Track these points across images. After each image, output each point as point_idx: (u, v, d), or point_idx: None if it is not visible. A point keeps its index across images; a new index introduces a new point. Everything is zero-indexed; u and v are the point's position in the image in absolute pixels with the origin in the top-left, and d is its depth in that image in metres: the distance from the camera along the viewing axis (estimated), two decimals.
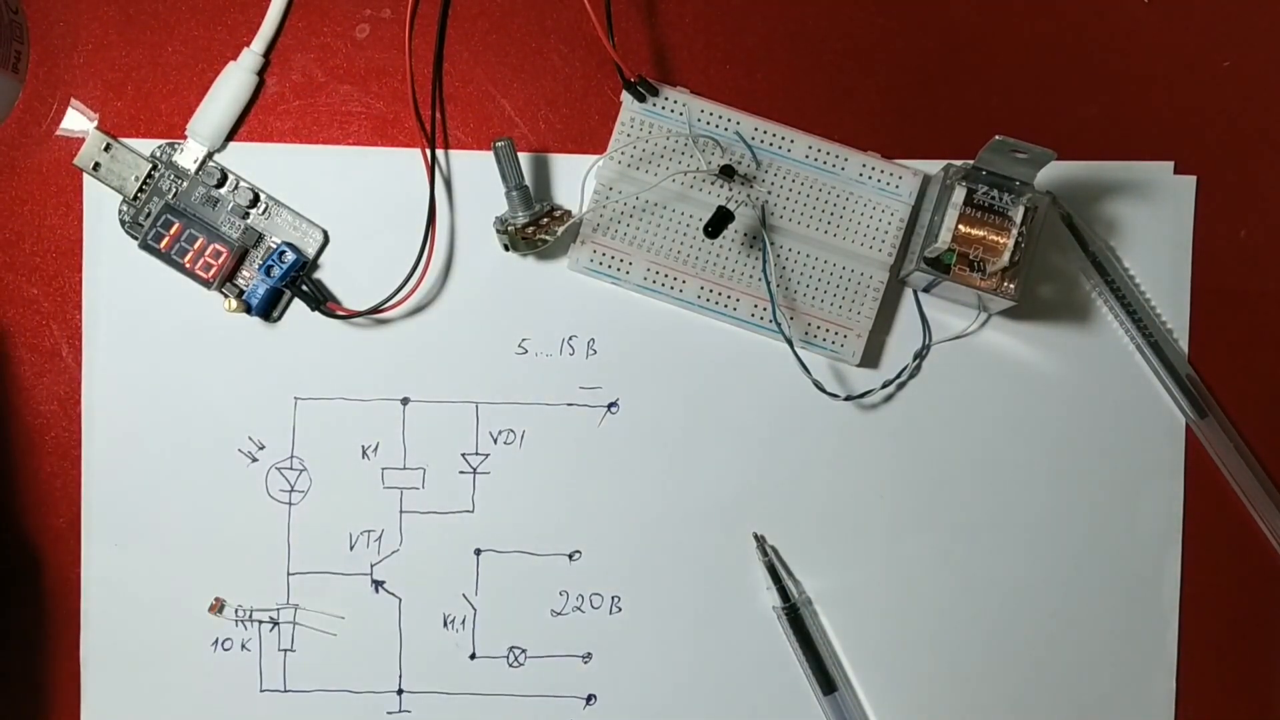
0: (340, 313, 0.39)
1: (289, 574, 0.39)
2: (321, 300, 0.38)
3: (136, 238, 0.38)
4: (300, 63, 0.39)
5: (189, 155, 0.39)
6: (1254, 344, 0.40)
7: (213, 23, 0.39)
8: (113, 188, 0.39)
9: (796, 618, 0.39)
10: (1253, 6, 0.40)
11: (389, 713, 0.39)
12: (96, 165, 0.38)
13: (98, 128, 0.39)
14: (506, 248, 0.38)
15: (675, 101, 0.39)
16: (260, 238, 0.39)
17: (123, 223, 0.39)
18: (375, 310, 0.38)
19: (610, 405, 0.39)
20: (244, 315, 0.39)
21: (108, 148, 0.38)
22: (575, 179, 0.39)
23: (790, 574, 0.39)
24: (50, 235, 0.39)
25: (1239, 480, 0.39)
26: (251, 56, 0.39)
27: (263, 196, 0.39)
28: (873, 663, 0.39)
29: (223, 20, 0.39)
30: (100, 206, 0.39)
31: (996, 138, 0.34)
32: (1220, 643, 0.40)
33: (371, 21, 0.39)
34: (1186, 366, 0.39)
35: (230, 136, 0.39)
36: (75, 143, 0.39)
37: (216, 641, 0.39)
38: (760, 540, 0.39)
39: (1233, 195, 0.40)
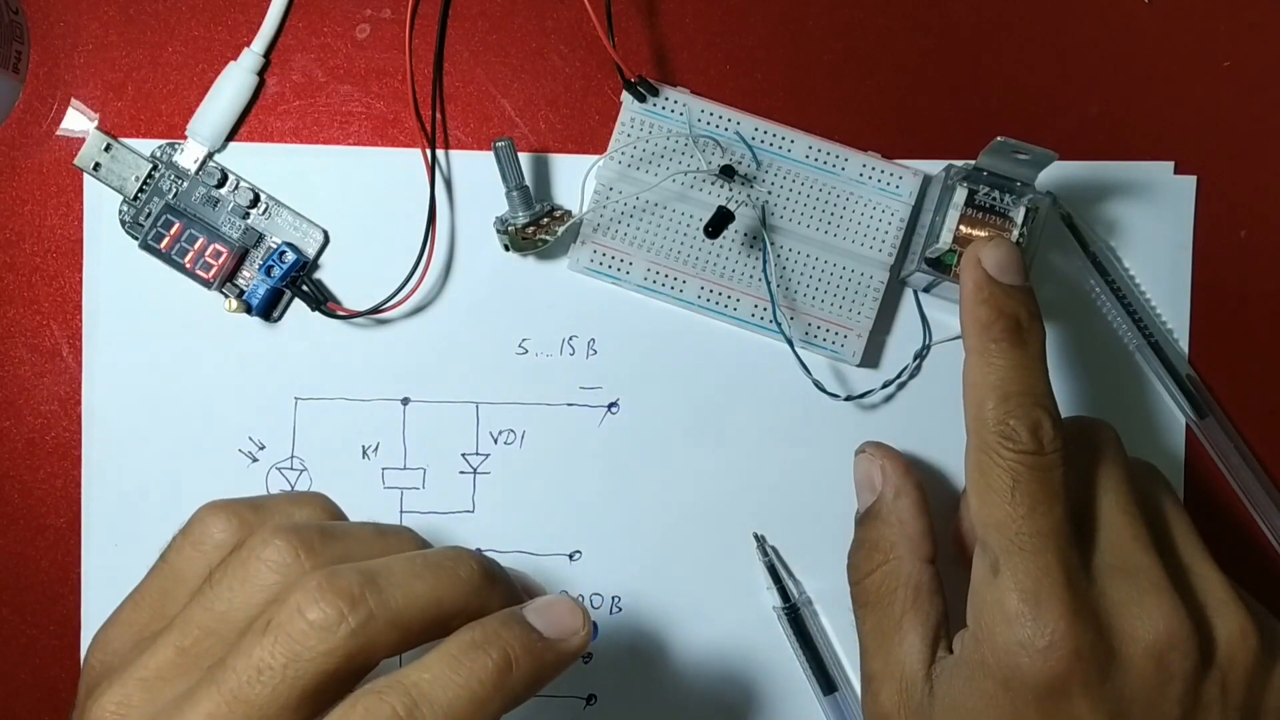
0: (340, 313, 0.39)
1: None
2: (322, 300, 0.38)
3: (137, 238, 0.38)
4: (300, 63, 0.39)
5: (189, 155, 0.39)
6: (1254, 344, 0.40)
7: (213, 23, 0.39)
8: (113, 188, 0.39)
9: (796, 618, 0.39)
10: (1253, 6, 0.40)
11: None
12: (97, 165, 0.38)
13: (98, 128, 0.39)
14: (506, 248, 0.38)
15: (675, 101, 0.39)
16: (260, 238, 0.39)
17: (123, 223, 0.39)
18: (375, 310, 0.38)
19: (610, 405, 0.39)
20: (244, 315, 0.39)
21: (108, 148, 0.39)
22: (575, 179, 0.39)
23: (790, 574, 0.39)
24: (50, 235, 0.39)
25: (1239, 480, 0.39)
26: (252, 56, 0.39)
27: (263, 196, 0.39)
28: None
29: (223, 20, 0.39)
30: (100, 207, 0.39)
31: (998, 139, 0.34)
32: None
33: (372, 21, 0.39)
34: (1186, 366, 0.39)
35: (230, 136, 0.39)
36: (75, 143, 0.39)
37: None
38: (760, 540, 0.39)
39: (1233, 195, 0.40)
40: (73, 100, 0.39)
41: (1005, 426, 0.31)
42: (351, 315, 0.38)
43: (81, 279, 0.39)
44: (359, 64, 0.39)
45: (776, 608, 0.39)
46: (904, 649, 0.33)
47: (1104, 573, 0.31)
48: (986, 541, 0.31)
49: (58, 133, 0.39)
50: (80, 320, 0.39)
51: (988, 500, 0.31)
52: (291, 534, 0.26)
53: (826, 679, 0.39)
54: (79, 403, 0.39)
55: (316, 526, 0.28)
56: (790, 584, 0.39)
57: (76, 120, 0.39)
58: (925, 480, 0.39)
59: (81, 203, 0.39)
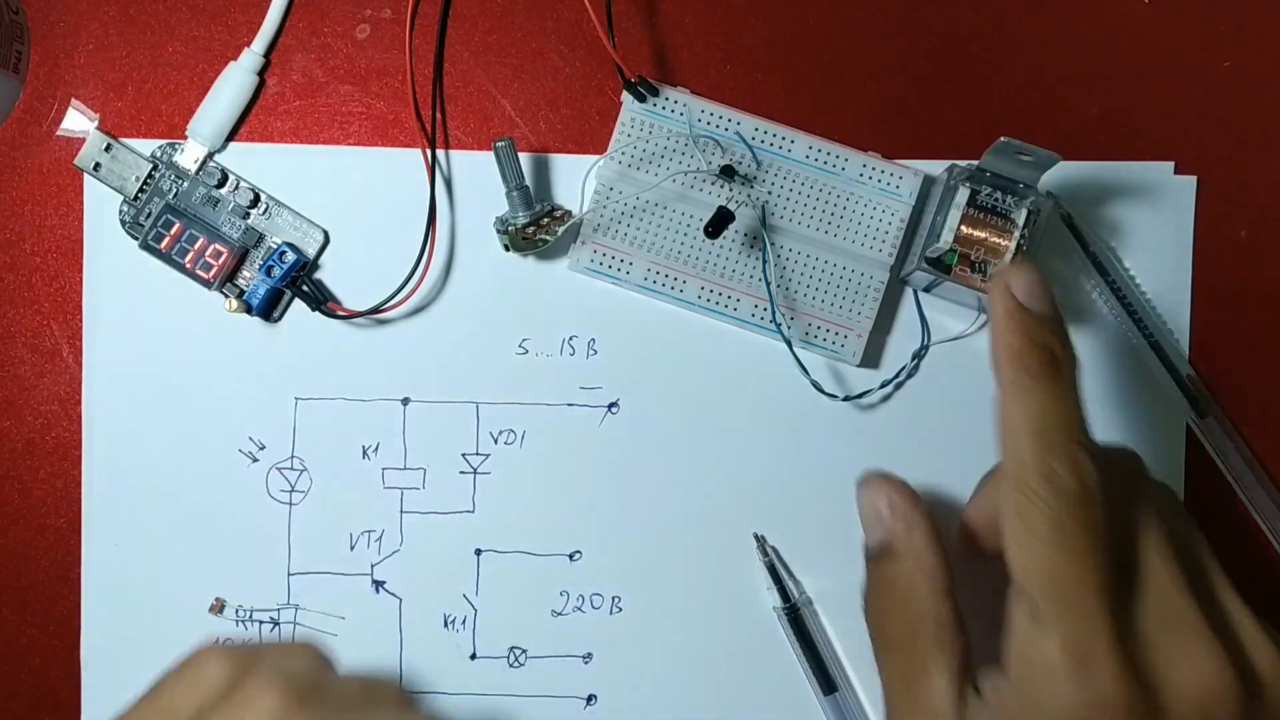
0: (341, 313, 0.39)
1: (289, 574, 0.39)
2: (322, 300, 0.38)
3: (137, 238, 0.38)
4: (300, 63, 0.39)
5: (189, 155, 0.39)
6: (1254, 344, 0.40)
7: (213, 23, 0.39)
8: (113, 188, 0.39)
9: (797, 618, 0.39)
10: (1253, 6, 0.40)
11: None
12: (97, 165, 0.38)
13: (98, 128, 0.39)
14: (507, 248, 0.38)
15: (676, 102, 0.39)
16: (260, 238, 0.39)
17: (123, 223, 0.39)
18: (376, 310, 0.38)
19: (610, 405, 0.39)
20: (244, 315, 0.39)
21: (108, 148, 0.39)
22: (575, 179, 0.39)
23: (790, 574, 0.39)
24: (51, 235, 0.39)
25: (1239, 480, 0.39)
26: (252, 56, 0.39)
27: (263, 197, 0.39)
28: (873, 663, 0.39)
29: (223, 20, 0.39)
30: (101, 207, 0.39)
31: (1002, 139, 0.34)
32: None
33: (372, 21, 0.39)
34: (1187, 366, 0.39)
35: (231, 137, 0.39)
36: (76, 143, 0.39)
37: (217, 642, 0.39)
38: (760, 540, 0.39)
39: (1233, 195, 0.40)
40: (73, 100, 0.39)
41: (1046, 467, 0.29)
42: (351, 315, 0.38)
43: (81, 279, 0.39)
44: (359, 64, 0.39)
45: (776, 608, 0.39)
46: (932, 693, 0.32)
47: (1145, 619, 0.30)
48: (1025, 589, 0.30)
49: (58, 133, 0.39)
50: (80, 320, 0.39)
51: (1028, 546, 0.30)
52: (288, 687, 0.29)
53: (826, 679, 0.39)
54: (79, 403, 0.39)
55: (311, 681, 0.30)
56: (790, 584, 0.39)
57: (76, 120, 0.39)
58: (924, 480, 0.39)
59: (81, 203, 0.39)
